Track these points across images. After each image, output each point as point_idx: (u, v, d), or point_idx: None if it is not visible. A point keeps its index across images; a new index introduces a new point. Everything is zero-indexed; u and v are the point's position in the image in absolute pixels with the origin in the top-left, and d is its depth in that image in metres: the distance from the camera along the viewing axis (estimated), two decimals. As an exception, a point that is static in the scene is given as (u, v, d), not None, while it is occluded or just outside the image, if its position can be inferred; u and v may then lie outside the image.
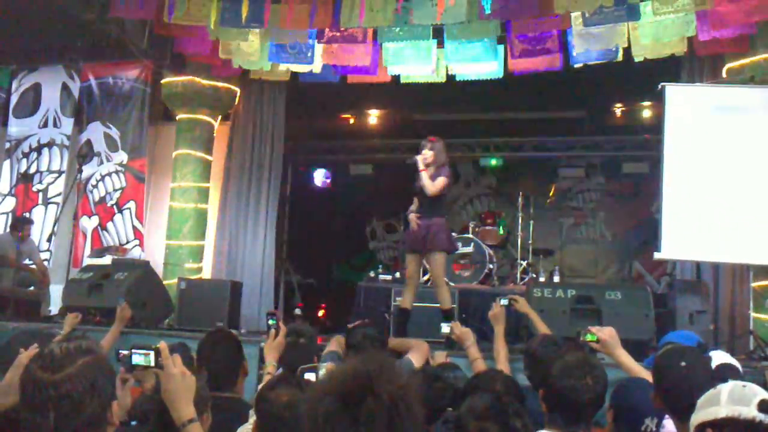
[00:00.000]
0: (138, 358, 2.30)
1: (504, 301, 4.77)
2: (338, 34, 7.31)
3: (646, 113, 10.59)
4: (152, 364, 2.27)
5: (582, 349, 3.46)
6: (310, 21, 6.72)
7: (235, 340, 3.71)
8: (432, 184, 5.95)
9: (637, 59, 7.15)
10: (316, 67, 7.72)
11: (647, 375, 3.24)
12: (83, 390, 1.77)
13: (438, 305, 7.30)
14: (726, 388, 1.96)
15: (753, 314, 6.65)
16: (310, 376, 2.54)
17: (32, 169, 9.66)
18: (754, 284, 6.74)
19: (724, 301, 7.18)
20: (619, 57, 7.20)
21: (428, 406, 2.62)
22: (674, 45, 7.00)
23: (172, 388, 2.23)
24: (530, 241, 10.17)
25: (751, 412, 1.87)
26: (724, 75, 7.30)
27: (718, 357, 3.65)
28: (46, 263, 8.88)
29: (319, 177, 12.11)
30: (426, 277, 9.59)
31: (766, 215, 6.22)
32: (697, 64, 7.64)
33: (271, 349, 3.84)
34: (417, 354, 4.27)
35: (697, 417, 1.98)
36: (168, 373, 2.23)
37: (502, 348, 4.45)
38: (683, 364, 2.61)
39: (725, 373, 3.13)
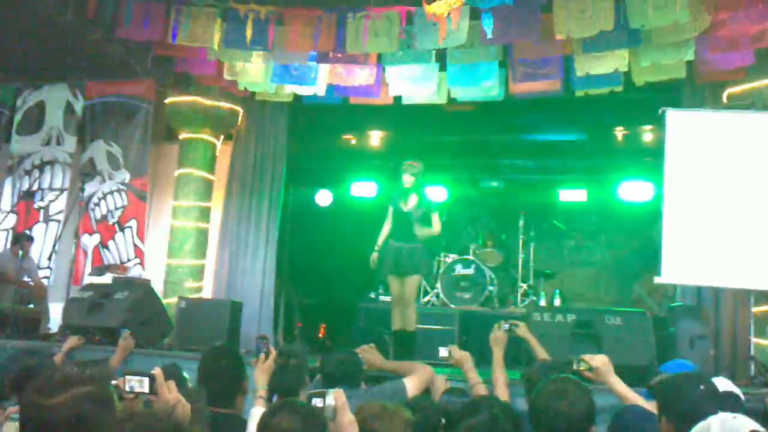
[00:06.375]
0: (132, 384, 2.28)
1: (505, 326, 4.76)
2: (340, 55, 7.35)
3: (648, 137, 10.61)
4: (146, 390, 2.25)
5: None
6: (314, 44, 6.77)
7: (237, 357, 3.71)
8: (438, 223, 6.55)
9: (637, 83, 7.20)
10: (320, 89, 7.76)
11: (642, 402, 3.24)
12: (66, 421, 1.77)
13: (438, 327, 7.33)
14: (717, 419, 2.01)
15: (754, 339, 6.64)
16: (317, 402, 2.50)
17: (34, 187, 9.68)
18: (754, 309, 6.74)
19: (725, 326, 7.16)
20: (620, 87, 7.25)
21: None
22: (674, 69, 7.05)
23: None
24: (531, 263, 10.17)
25: None
26: (724, 100, 7.34)
27: (720, 384, 3.63)
28: (45, 281, 8.88)
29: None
30: (426, 299, 9.61)
31: (766, 240, 6.22)
32: (698, 90, 7.68)
33: (262, 373, 3.82)
34: (417, 378, 4.24)
35: None
36: (163, 400, 2.22)
37: (500, 373, 4.43)
38: (702, 388, 2.61)
39: (727, 401, 3.12)
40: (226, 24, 6.98)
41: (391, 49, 6.69)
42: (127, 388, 2.28)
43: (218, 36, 6.96)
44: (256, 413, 3.39)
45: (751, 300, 6.76)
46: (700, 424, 2.01)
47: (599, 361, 3.51)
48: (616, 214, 11.90)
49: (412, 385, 4.15)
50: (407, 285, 6.39)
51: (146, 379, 2.25)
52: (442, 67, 7.55)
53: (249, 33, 6.74)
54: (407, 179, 6.56)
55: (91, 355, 5.89)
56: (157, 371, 2.25)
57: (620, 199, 11.27)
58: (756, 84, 7.03)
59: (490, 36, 6.26)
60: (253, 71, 7.73)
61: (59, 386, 1.81)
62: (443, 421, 2.98)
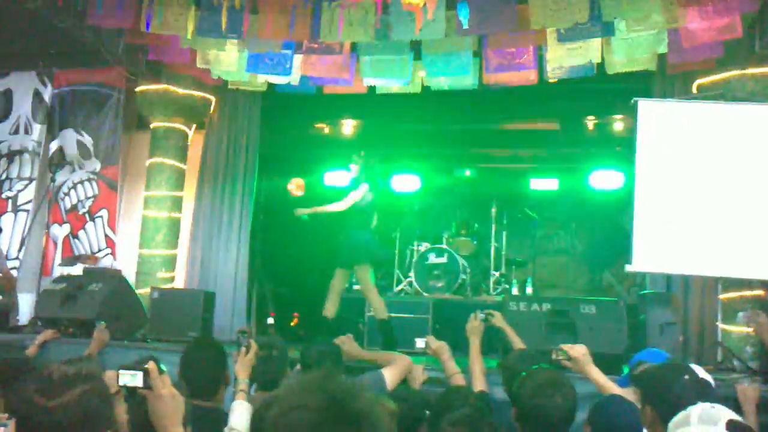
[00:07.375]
0: (125, 379, 2.25)
1: (482, 316, 4.82)
2: (315, 45, 7.31)
3: (619, 126, 10.72)
4: (140, 384, 2.22)
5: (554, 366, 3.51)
6: (289, 32, 6.73)
7: (219, 349, 3.71)
8: (344, 201, 6.70)
9: (609, 72, 7.27)
10: (294, 79, 7.72)
11: (619, 391, 3.31)
12: (75, 420, 1.75)
13: (411, 316, 7.39)
14: (696, 410, 2.09)
15: (721, 326, 6.77)
16: None
17: (2, 176, 9.50)
18: (722, 296, 6.86)
19: (693, 312, 7.29)
20: (593, 74, 7.31)
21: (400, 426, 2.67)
22: (646, 61, 7.13)
23: (161, 410, 2.18)
24: (503, 252, 10.25)
25: (720, 431, 1.99)
26: (694, 91, 7.45)
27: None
28: (14, 272, 8.74)
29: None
30: (399, 288, 9.65)
31: (735, 228, 6.34)
32: (668, 80, 7.78)
33: (243, 367, 3.83)
34: (395, 369, 4.28)
35: None
36: (158, 394, 2.18)
37: (478, 362, 4.48)
38: (686, 377, 2.67)
39: (704, 389, 3.20)
40: (200, 12, 6.91)
41: (367, 39, 6.67)
42: (121, 383, 2.24)
43: (192, 24, 6.88)
44: (237, 406, 3.41)
45: (719, 287, 6.89)
46: (681, 414, 2.08)
47: (578, 351, 3.57)
48: (587, 202, 12.03)
49: (390, 376, 4.19)
50: (357, 277, 6.47)
51: (140, 374, 2.21)
52: (417, 56, 7.56)
53: (224, 21, 6.67)
54: (352, 169, 6.70)
55: (64, 347, 5.84)
56: (151, 365, 2.22)
57: (591, 188, 11.39)
58: (725, 75, 7.13)
59: (465, 26, 6.27)
60: (227, 60, 7.66)
61: (62, 386, 1.79)
62: (428, 413, 3.02)
